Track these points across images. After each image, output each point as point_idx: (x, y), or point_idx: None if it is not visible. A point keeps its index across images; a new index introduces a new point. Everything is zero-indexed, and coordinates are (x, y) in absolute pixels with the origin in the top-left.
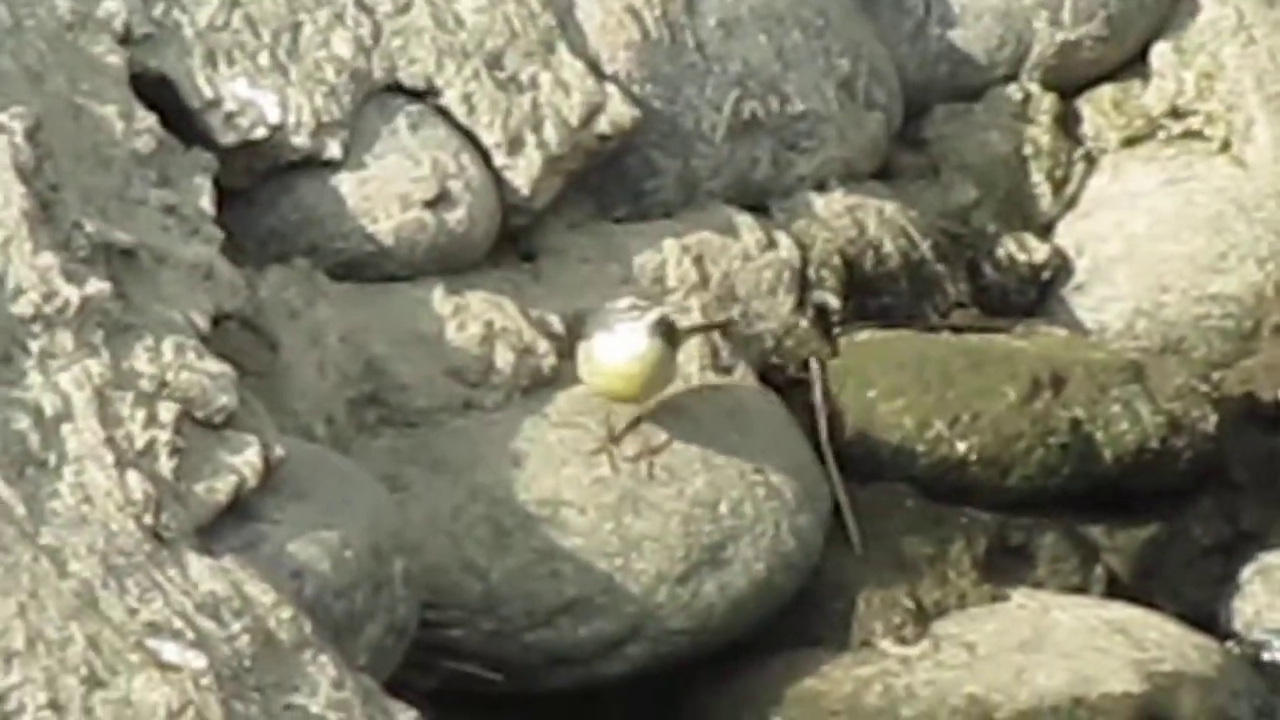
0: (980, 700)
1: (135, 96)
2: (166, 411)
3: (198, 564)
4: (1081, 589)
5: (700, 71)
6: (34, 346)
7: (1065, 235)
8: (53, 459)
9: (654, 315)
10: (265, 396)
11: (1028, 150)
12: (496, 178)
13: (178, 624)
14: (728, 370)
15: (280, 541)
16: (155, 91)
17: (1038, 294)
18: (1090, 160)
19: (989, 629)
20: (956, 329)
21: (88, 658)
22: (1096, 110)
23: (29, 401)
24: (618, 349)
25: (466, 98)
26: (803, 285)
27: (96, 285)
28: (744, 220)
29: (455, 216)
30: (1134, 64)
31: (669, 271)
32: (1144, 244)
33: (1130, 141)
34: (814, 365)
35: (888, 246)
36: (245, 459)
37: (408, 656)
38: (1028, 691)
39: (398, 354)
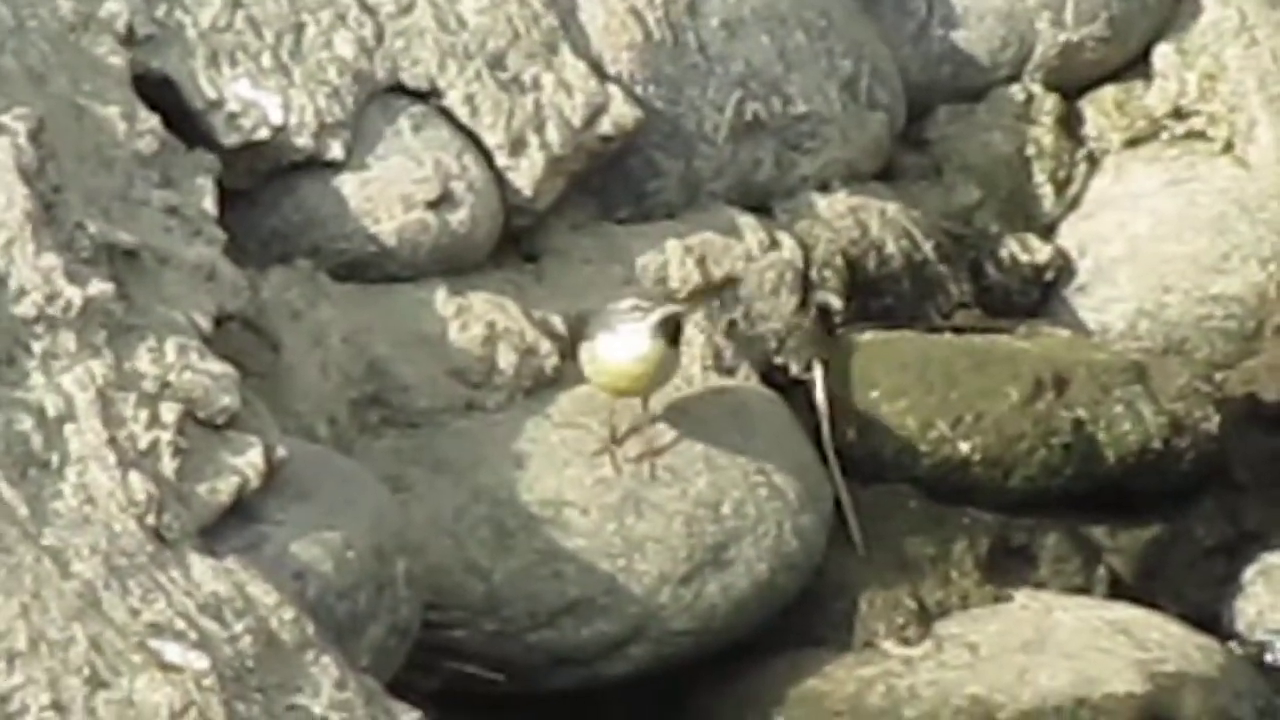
0: (983, 701)
1: (138, 97)
2: (169, 412)
3: (200, 565)
4: (1084, 589)
5: (703, 72)
6: (37, 347)
7: (1068, 236)
8: (55, 460)
9: (657, 315)
10: (268, 397)
11: (1030, 151)
12: (499, 178)
13: (180, 625)
14: (730, 371)
15: (283, 542)
16: (158, 92)
17: (1040, 294)
18: (1093, 161)
19: (992, 629)
20: (959, 329)
21: (90, 658)
22: (1099, 111)
23: (32, 402)
24: (621, 349)
25: (469, 99)
26: (805, 286)
27: (99, 286)
28: (747, 221)
29: (458, 217)
30: (1136, 65)
31: (671, 272)
32: (1146, 245)
33: (1133, 142)
34: (816, 366)
35: (890, 247)
36: (248, 460)
37: (410, 657)
38: (1030, 692)
39: (400, 355)
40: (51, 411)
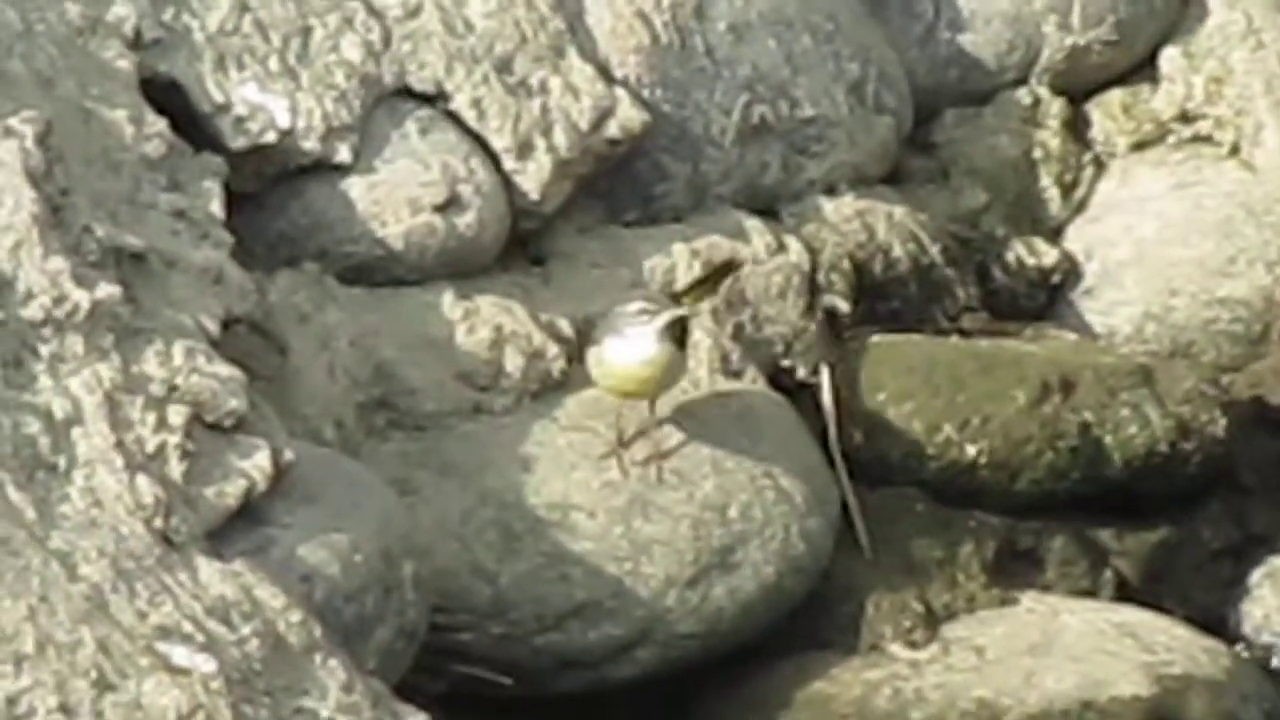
0: (989, 704)
1: (145, 101)
2: (176, 415)
3: (208, 568)
4: (1091, 592)
5: (710, 76)
6: (44, 350)
7: (1074, 239)
8: (63, 463)
9: (664, 318)
10: (275, 400)
11: (1037, 154)
12: (506, 182)
13: (188, 628)
14: (737, 374)
15: (290, 545)
16: (165, 96)
17: (1047, 298)
18: (1099, 164)
19: (998, 632)
20: (966, 333)
21: (98, 661)
22: (1106, 114)
23: (39, 405)
24: (629, 352)
25: (476, 102)
26: (812, 289)
27: (106, 289)
28: (753, 224)
29: (465, 221)
30: (1143, 68)
31: (679, 275)
32: (1153, 248)
33: (1139, 146)
34: (823, 369)
35: (897, 250)
36: (255, 463)
37: (417, 660)
38: (1037, 695)
39: (407, 358)
40: (59, 414)
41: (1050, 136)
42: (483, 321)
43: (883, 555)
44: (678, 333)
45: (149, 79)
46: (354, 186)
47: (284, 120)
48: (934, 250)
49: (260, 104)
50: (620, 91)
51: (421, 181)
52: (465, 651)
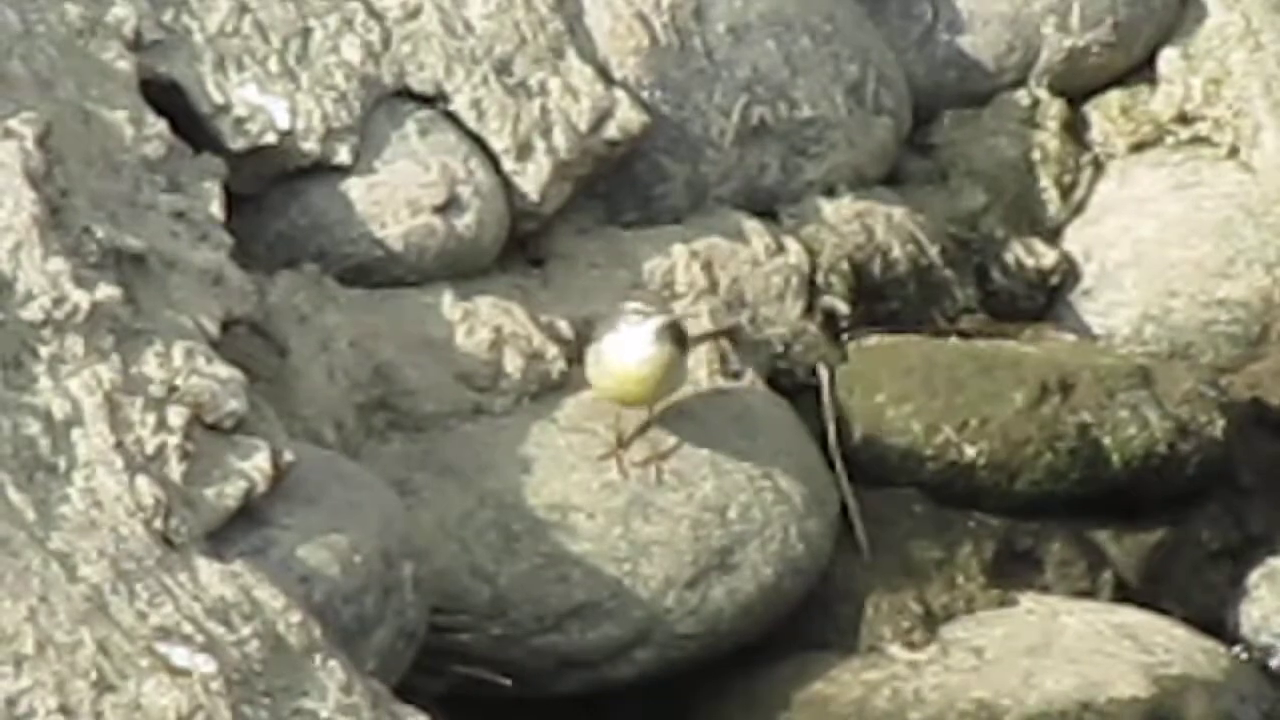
0: (988, 705)
1: (145, 102)
2: (176, 416)
3: (207, 569)
4: (1089, 593)
5: (709, 77)
6: (44, 351)
7: (1073, 240)
8: (63, 464)
9: (661, 319)
10: (275, 401)
11: (1036, 156)
12: (505, 183)
13: (187, 628)
14: (736, 375)
15: (290, 546)
16: (165, 97)
17: (1046, 299)
18: (1098, 166)
19: (997, 633)
20: (964, 334)
21: (97, 662)
22: (1104, 116)
23: (39, 406)
24: (626, 353)
25: (476, 103)
26: (811, 290)
27: (106, 290)
28: (752, 225)
29: (464, 222)
30: (1142, 70)
31: (678, 277)
32: (1152, 249)
33: (1138, 147)
34: (822, 370)
35: (896, 252)
36: (255, 464)
37: (417, 661)
38: (1036, 696)
39: (407, 359)
40: (59, 416)
41: (1049, 138)
42: (482, 323)
43: (882, 556)
44: (677, 335)
45: (149, 80)
46: (353, 188)
47: (284, 121)
48: (933, 251)
49: (260, 105)
50: (619, 93)
51: (421, 183)
52: (465, 652)
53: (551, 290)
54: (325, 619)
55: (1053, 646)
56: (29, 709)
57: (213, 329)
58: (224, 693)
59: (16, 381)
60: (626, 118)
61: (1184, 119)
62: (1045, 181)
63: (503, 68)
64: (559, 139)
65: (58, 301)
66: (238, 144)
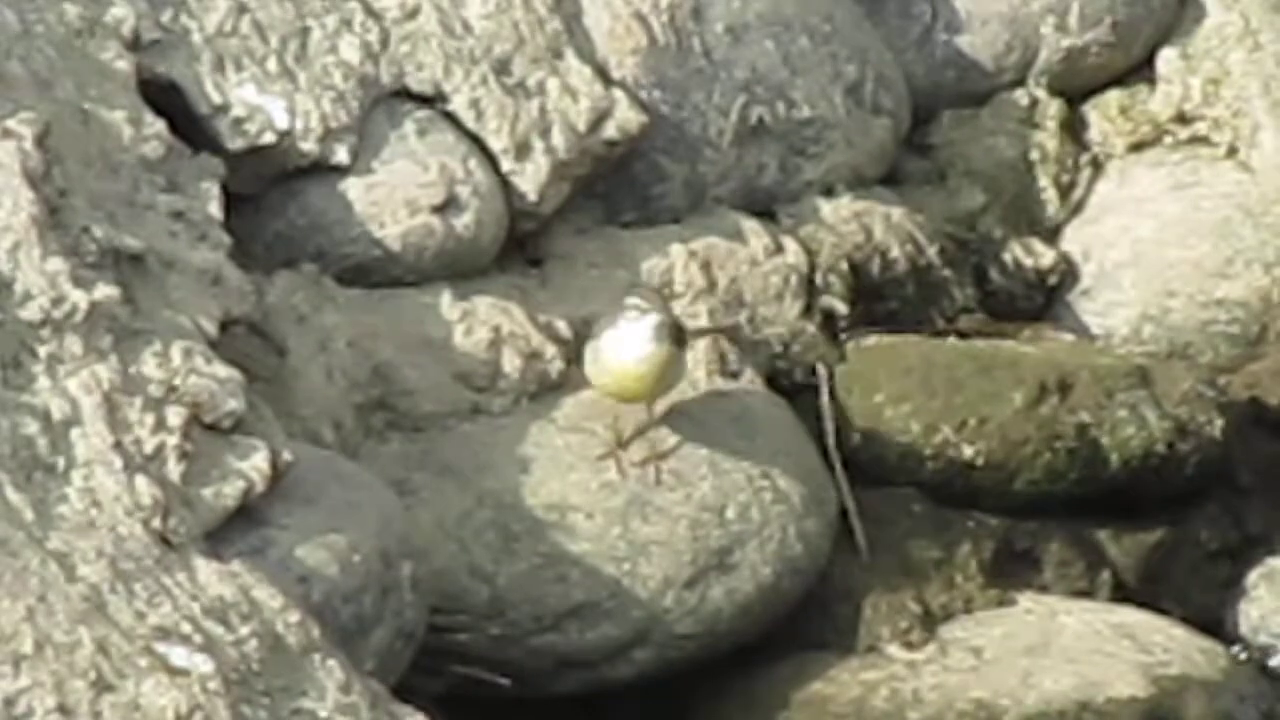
0: (987, 705)
1: (144, 102)
2: (175, 416)
3: (206, 568)
4: (1088, 593)
5: (707, 77)
6: (42, 351)
7: (1072, 240)
8: (61, 464)
9: (659, 317)
10: (273, 401)
11: (1034, 155)
12: (504, 183)
13: (186, 628)
14: (735, 375)
15: (288, 546)
16: (164, 97)
17: (1044, 299)
18: (1097, 165)
19: (996, 633)
20: (963, 334)
21: (96, 662)
22: (1103, 116)
23: (37, 406)
24: (624, 350)
25: (474, 103)
26: (810, 290)
27: (105, 290)
28: (751, 226)
29: (463, 222)
30: (1140, 70)
31: (676, 277)
32: (1150, 249)
33: (1137, 147)
34: (821, 370)
35: (895, 252)
36: (253, 464)
37: (415, 661)
38: (1034, 696)
39: (405, 359)
40: (57, 415)
41: (1048, 138)
42: (481, 322)
43: (880, 556)
44: (675, 333)
45: (147, 80)
46: (352, 188)
47: (282, 121)
48: (931, 251)
49: (258, 105)
50: (618, 93)
51: (419, 183)
52: (463, 652)
53: (550, 290)
54: (324, 619)
55: (1051, 646)
56: (27, 709)
57: (211, 329)
58: (222, 692)
59: (15, 381)
60: (625, 118)
61: (1183, 119)
62: (1044, 181)
63: (501, 68)
64: (557, 139)
65: (56, 301)
66: (236, 144)
